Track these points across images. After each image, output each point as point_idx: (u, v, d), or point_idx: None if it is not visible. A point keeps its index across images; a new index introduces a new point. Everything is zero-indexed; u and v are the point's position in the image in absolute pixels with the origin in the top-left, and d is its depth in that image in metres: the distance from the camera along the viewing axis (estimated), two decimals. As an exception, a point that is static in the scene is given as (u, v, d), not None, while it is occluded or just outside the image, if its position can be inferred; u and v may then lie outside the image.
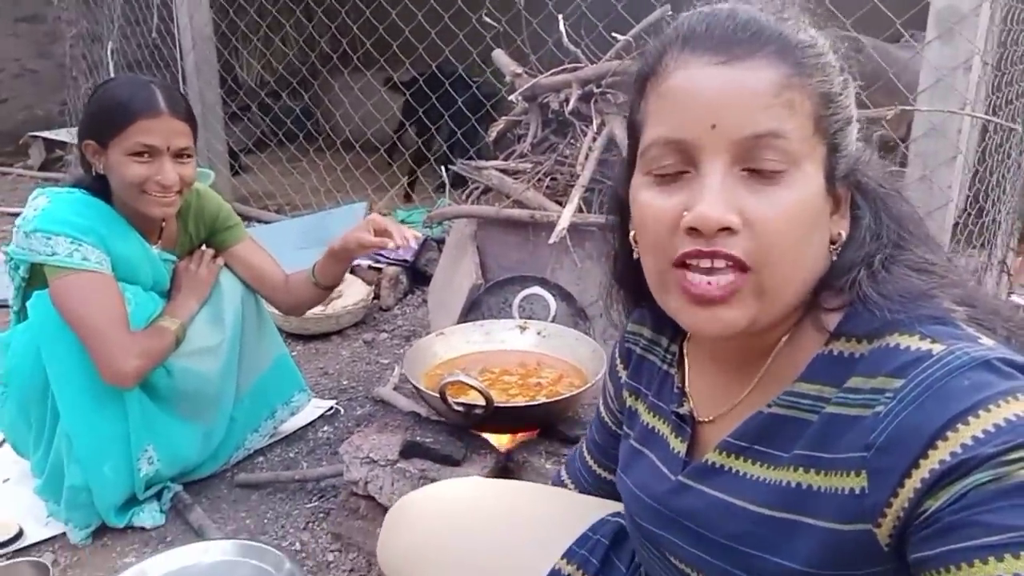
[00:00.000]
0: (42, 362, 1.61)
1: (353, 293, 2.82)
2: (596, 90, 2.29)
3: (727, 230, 0.63)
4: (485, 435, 1.61)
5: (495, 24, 2.76)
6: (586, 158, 2.19)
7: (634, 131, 0.73)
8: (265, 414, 2.02)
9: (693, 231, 0.64)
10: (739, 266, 0.64)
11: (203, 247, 1.91)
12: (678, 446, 0.80)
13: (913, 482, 0.57)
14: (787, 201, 0.64)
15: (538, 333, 1.88)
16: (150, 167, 1.61)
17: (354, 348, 2.69)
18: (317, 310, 2.64)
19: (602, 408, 1.00)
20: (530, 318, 2.01)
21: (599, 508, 0.98)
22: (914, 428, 0.58)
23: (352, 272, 3.02)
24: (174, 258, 1.84)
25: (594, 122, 2.24)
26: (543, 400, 1.56)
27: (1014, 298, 3.06)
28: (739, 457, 0.72)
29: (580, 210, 2.16)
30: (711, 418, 0.77)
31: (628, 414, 0.90)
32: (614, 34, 2.38)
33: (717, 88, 0.64)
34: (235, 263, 1.93)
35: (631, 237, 0.75)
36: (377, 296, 2.96)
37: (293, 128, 4.29)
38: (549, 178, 2.37)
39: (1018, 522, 0.53)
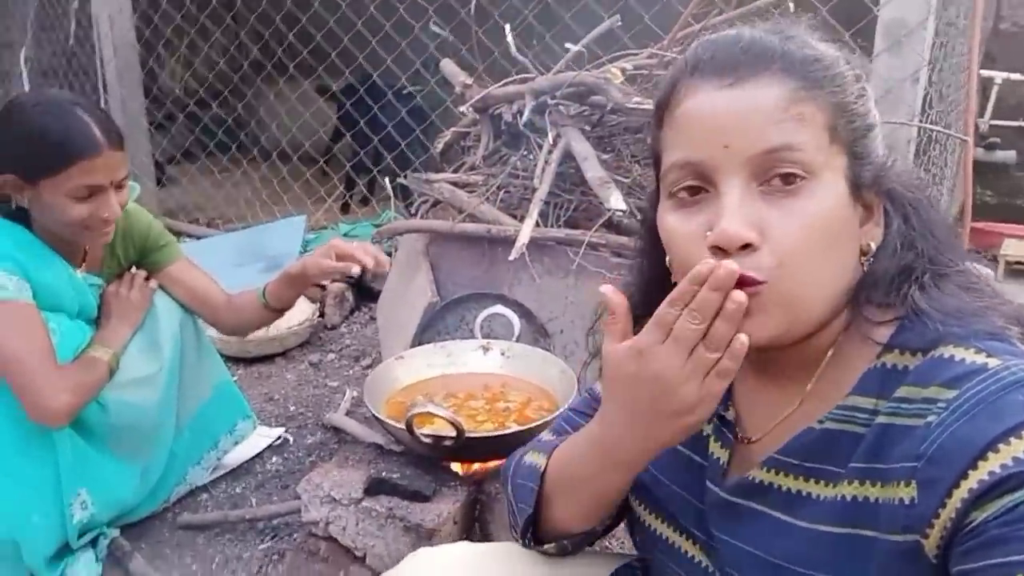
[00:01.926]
0: (-39, 402, 1.45)
1: (297, 312, 2.68)
2: (550, 102, 2.24)
3: (748, 247, 0.64)
4: (454, 466, 1.53)
5: (441, 32, 2.68)
6: (543, 171, 2.13)
7: (656, 160, 0.76)
8: (207, 445, 1.89)
9: (717, 249, 0.65)
10: (756, 283, 0.65)
11: (133, 269, 1.76)
12: (719, 452, 0.78)
13: (960, 492, 0.57)
14: (807, 211, 0.65)
15: (502, 354, 1.81)
16: (92, 205, 1.49)
17: (300, 371, 2.56)
18: (259, 332, 2.50)
19: (583, 405, 0.95)
20: (491, 337, 1.93)
21: (607, 563, 0.93)
22: (965, 440, 0.58)
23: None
24: (100, 282, 1.70)
25: (549, 135, 2.18)
26: (515, 428, 1.49)
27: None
28: (789, 475, 0.71)
29: (537, 224, 2.10)
30: (757, 435, 0.76)
31: None
32: (566, 44, 2.33)
33: (726, 109, 0.67)
34: (171, 285, 1.80)
35: (668, 262, 0.75)
36: (322, 314, 2.84)
37: (224, 138, 4.10)
38: (503, 191, 2.31)
39: None
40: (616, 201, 1.94)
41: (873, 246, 0.70)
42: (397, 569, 0.92)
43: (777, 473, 0.72)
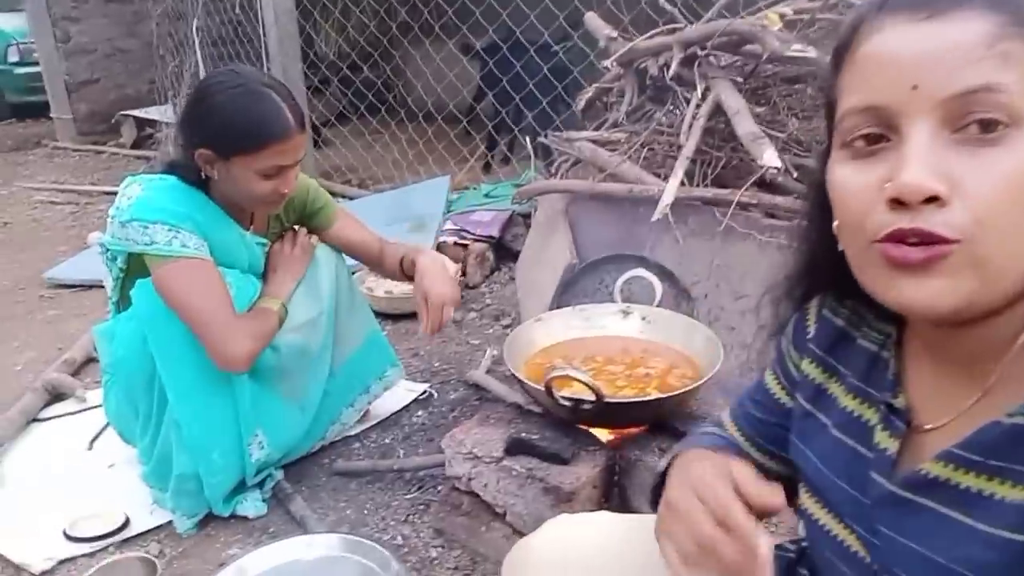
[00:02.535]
0: (148, 351, 1.60)
1: (441, 271, 2.75)
2: (700, 53, 2.13)
3: (935, 200, 0.56)
4: (592, 431, 1.52)
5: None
6: (690, 127, 2.04)
7: (831, 110, 0.67)
8: (359, 389, 1.99)
9: (896, 203, 0.58)
10: (946, 241, 0.57)
11: (297, 230, 1.87)
12: (887, 443, 0.71)
13: None
14: (1009, 165, 0.56)
15: (643, 318, 1.76)
16: (276, 181, 1.61)
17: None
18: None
19: (770, 378, 0.88)
20: (631, 301, 1.89)
21: None
22: None
23: (438, 249, 2.96)
24: (266, 241, 1.82)
25: (698, 88, 2.08)
26: (657, 395, 1.45)
27: None
28: (970, 472, 0.63)
29: (683, 183, 2.02)
30: (932, 424, 0.69)
31: (816, 392, 0.80)
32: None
33: (917, 45, 0.58)
34: (331, 242, 1.92)
35: (834, 227, 0.67)
36: (463, 273, 2.90)
37: (374, 101, 4.24)
38: (647, 149, 2.24)
39: None
40: (770, 158, 1.83)
41: None
42: (538, 533, 0.92)
43: (956, 469, 0.65)
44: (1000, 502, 0.61)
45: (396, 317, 2.70)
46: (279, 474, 1.80)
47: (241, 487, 1.73)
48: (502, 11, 3.47)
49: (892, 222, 0.58)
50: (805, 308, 0.83)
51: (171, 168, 1.68)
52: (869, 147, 0.61)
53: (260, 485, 1.77)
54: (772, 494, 0.68)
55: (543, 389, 1.41)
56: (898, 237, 0.58)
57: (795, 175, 1.89)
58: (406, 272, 1.88)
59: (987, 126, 0.56)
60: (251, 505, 1.71)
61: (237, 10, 4.12)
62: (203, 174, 1.63)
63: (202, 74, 4.23)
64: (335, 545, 1.46)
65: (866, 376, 0.75)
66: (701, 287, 2.04)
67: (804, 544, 0.87)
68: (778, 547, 0.87)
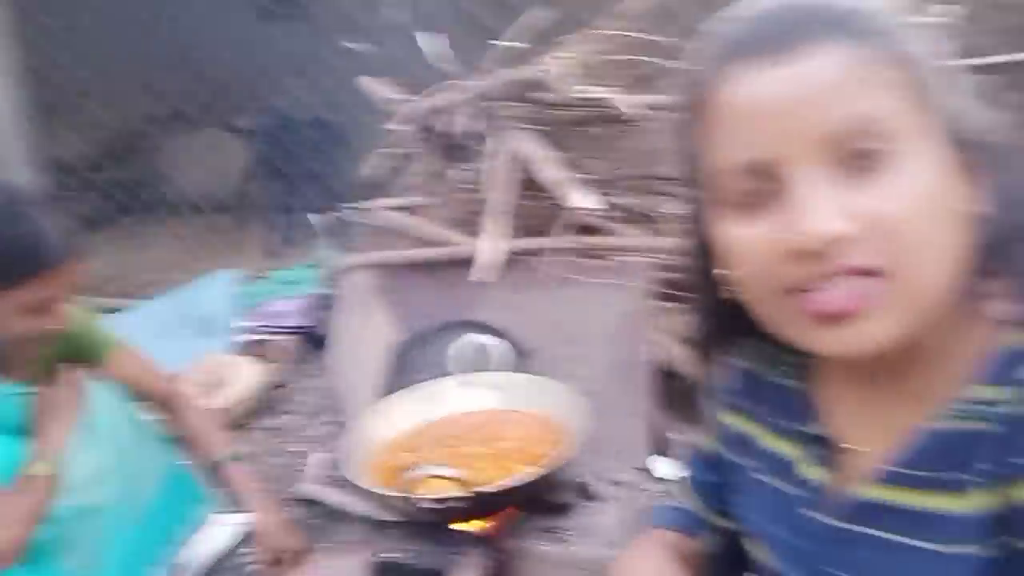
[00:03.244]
0: None
1: (244, 377, 2.43)
2: (484, 104, 2.08)
3: (841, 241, 0.55)
4: (462, 526, 1.34)
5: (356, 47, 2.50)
6: (493, 180, 1.97)
7: (693, 165, 0.64)
8: (161, 541, 1.65)
9: (800, 255, 0.55)
10: (868, 273, 0.55)
11: (60, 368, 1.54)
12: (814, 474, 0.68)
13: None
14: (905, 186, 0.56)
15: (488, 386, 1.64)
16: (39, 320, 1.33)
17: (255, 441, 2.31)
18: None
19: (705, 439, 0.86)
20: (469, 369, 1.76)
21: None
22: None
23: (237, 351, 2.65)
24: (25, 391, 1.46)
25: (493, 141, 2.02)
26: (531, 475, 1.30)
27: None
28: (906, 489, 0.62)
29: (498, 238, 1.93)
30: (857, 444, 0.67)
31: (740, 440, 0.78)
32: (491, 41, 2.18)
33: (779, 90, 0.57)
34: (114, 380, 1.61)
35: (717, 276, 0.66)
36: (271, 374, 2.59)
37: (126, 201, 3.81)
38: (452, 208, 2.14)
39: None
40: (581, 199, 1.79)
41: (980, 211, 0.60)
42: None
43: (894, 488, 0.62)
44: (943, 516, 0.60)
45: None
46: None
47: None
48: (264, 90, 3.27)
49: (802, 274, 0.56)
50: (710, 367, 0.82)
51: None
52: (752, 201, 0.59)
53: None
54: None
55: (401, 496, 1.21)
56: (814, 284, 0.56)
57: (604, 212, 1.89)
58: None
59: (868, 155, 0.56)
60: None
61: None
62: None
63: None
64: None
65: (782, 411, 0.73)
66: (533, 342, 1.96)
67: None
68: None
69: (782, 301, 0.59)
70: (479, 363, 1.75)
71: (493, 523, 1.37)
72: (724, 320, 0.73)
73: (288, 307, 2.79)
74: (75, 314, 1.58)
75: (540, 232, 1.99)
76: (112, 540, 1.50)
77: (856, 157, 0.56)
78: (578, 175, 1.96)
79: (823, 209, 0.55)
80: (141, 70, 3.73)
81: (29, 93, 3.64)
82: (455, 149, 2.22)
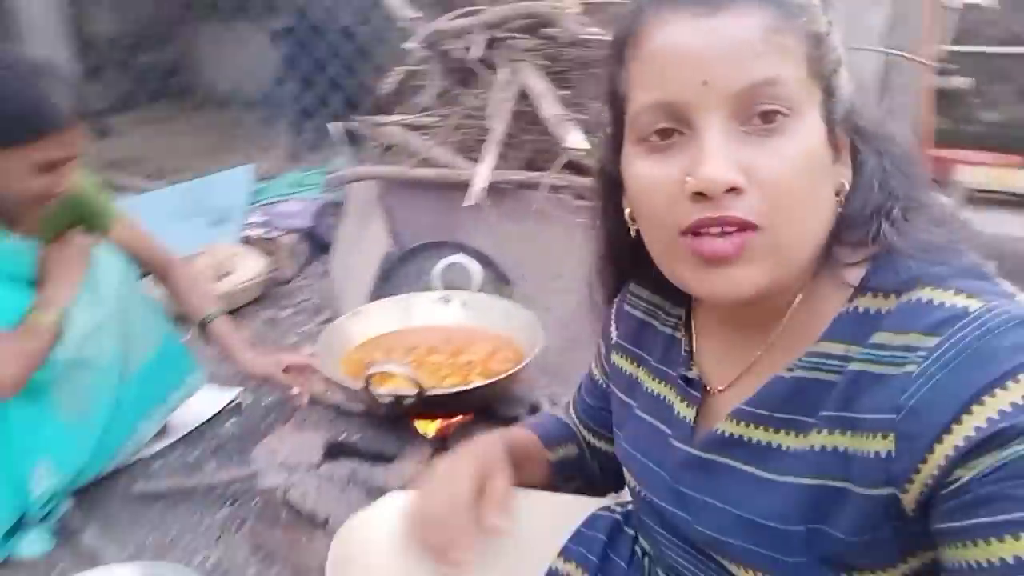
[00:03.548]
0: None
1: (247, 267, 2.58)
2: (501, 35, 2.13)
3: (733, 190, 0.60)
4: (416, 424, 1.48)
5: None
6: (498, 110, 2.03)
7: (616, 101, 0.69)
8: (156, 399, 1.81)
9: (699, 195, 0.60)
10: (749, 227, 0.61)
11: (72, 230, 1.67)
12: (685, 411, 0.76)
13: (944, 448, 0.55)
14: (792, 151, 0.61)
15: (463, 305, 1.74)
16: (51, 179, 1.45)
17: (255, 328, 2.47)
18: (224, 286, 2.43)
19: (594, 367, 0.96)
20: (451, 287, 1.86)
21: (583, 507, 0.94)
22: (948, 391, 0.55)
23: (246, 242, 2.78)
24: (36, 245, 1.59)
25: (502, 71, 2.08)
26: (479, 383, 1.43)
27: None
28: (759, 426, 0.69)
29: (495, 167, 2.01)
30: (723, 386, 0.74)
31: (628, 382, 0.86)
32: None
33: (704, 42, 0.61)
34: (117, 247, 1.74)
35: (627, 214, 0.72)
36: (275, 268, 2.73)
37: (159, 86, 3.89)
38: (459, 132, 2.21)
39: None
40: (575, 139, 1.86)
41: (846, 185, 0.67)
42: (374, 506, 0.90)
43: (747, 425, 0.69)
44: (787, 451, 0.66)
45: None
46: (67, 503, 1.59)
47: (18, 526, 1.51)
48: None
49: (696, 212, 0.61)
50: (610, 307, 0.90)
51: None
52: (664, 141, 0.63)
53: (44, 518, 1.55)
54: (497, 517, 0.79)
55: (362, 387, 1.35)
56: (704, 225, 0.61)
57: (595, 164, 1.94)
58: (206, 333, 1.83)
59: (769, 117, 0.60)
60: (36, 542, 1.51)
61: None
62: None
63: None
64: (135, 575, 1.31)
65: (664, 358, 0.81)
66: (519, 270, 2.06)
67: (630, 506, 0.92)
68: (606, 509, 0.93)
69: (675, 241, 0.64)
70: (460, 283, 1.85)
71: (444, 424, 1.51)
72: (623, 253, 0.79)
73: (297, 208, 2.90)
74: (86, 183, 1.70)
75: (537, 167, 2.06)
76: (104, 393, 1.65)
77: (758, 116, 0.61)
78: (579, 115, 2.02)
79: (723, 159, 0.60)
80: None
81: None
82: (466, 74, 2.29)
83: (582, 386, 0.99)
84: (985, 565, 0.53)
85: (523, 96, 2.06)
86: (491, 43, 2.14)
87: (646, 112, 0.64)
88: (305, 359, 1.78)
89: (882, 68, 2.44)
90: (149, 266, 1.82)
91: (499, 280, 2.02)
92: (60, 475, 1.55)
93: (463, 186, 2.04)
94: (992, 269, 0.64)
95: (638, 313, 0.86)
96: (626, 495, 0.97)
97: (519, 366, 1.46)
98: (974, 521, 0.53)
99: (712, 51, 0.60)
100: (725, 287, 0.63)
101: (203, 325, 1.81)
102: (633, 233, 0.71)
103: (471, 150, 2.20)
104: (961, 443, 0.54)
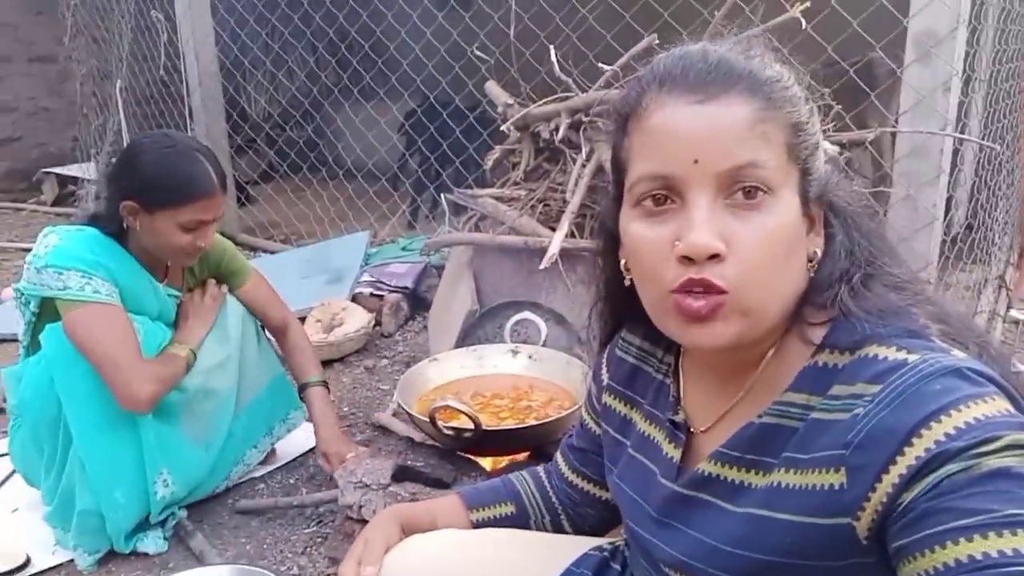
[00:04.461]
0: (55, 392, 1.67)
1: (354, 320, 2.87)
2: (585, 119, 2.35)
3: (715, 257, 0.68)
4: (475, 458, 1.65)
5: (485, 57, 2.83)
6: (576, 185, 2.24)
7: (619, 166, 0.78)
8: (263, 431, 2.07)
9: (685, 259, 0.69)
10: (719, 291, 0.69)
11: (208, 281, 1.98)
12: (672, 452, 0.83)
13: (891, 478, 0.61)
14: (768, 226, 0.69)
15: (529, 357, 1.92)
16: (194, 235, 1.74)
17: (355, 375, 2.73)
18: (318, 337, 2.72)
19: (584, 412, 1.04)
20: (524, 342, 2.05)
21: (576, 545, 1.01)
22: (890, 428, 0.62)
23: (354, 300, 3.08)
24: (178, 293, 1.91)
25: (583, 150, 2.29)
26: (531, 423, 1.60)
27: (1013, 312, 3.08)
28: (732, 466, 0.76)
29: (572, 235, 2.21)
30: (704, 428, 0.82)
31: (620, 421, 0.93)
32: (601, 64, 2.44)
33: (696, 125, 0.70)
34: (243, 302, 2.03)
35: (622, 265, 0.80)
36: (378, 323, 3.01)
37: (297, 159, 4.39)
38: (542, 204, 2.43)
39: (986, 506, 0.57)
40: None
41: (818, 253, 0.75)
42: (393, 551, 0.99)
43: (722, 465, 0.77)
44: (751, 488, 0.74)
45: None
46: (182, 513, 1.86)
47: (143, 525, 1.79)
48: (415, 77, 3.68)
49: (682, 274, 0.69)
50: (602, 354, 0.99)
51: (91, 220, 1.79)
52: (657, 207, 0.72)
53: (163, 523, 1.82)
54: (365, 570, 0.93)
55: (428, 420, 1.54)
56: (688, 287, 0.69)
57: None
58: (300, 396, 2.05)
59: (750, 193, 0.69)
60: (152, 542, 1.77)
61: (162, 72, 4.24)
62: (124, 225, 1.74)
63: (125, 133, 4.31)
64: (228, 575, 1.53)
65: (655, 401, 0.89)
66: (586, 330, 2.21)
67: (617, 543, 1.00)
68: (597, 548, 1.01)
69: (665, 297, 0.71)
70: (531, 338, 2.04)
71: (501, 459, 1.68)
72: (621, 303, 0.88)
73: (403, 270, 3.19)
74: (225, 243, 2.02)
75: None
76: (222, 421, 1.93)
77: (741, 192, 0.69)
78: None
79: (708, 229, 0.67)
80: (323, 44, 4.22)
81: (226, 57, 4.26)
82: (555, 153, 2.52)
83: (573, 433, 1.07)
84: (932, 572, 0.58)
85: (599, 172, 2.26)
86: (575, 125, 2.37)
87: (644, 180, 0.72)
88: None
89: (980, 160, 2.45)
90: (269, 321, 2.07)
91: (573, 340, 2.19)
92: (177, 486, 1.80)
93: (542, 252, 2.24)
94: (936, 331, 0.70)
95: (630, 359, 0.93)
96: (619, 534, 1.05)
97: (570, 410, 1.62)
98: (920, 535, 0.59)
99: (702, 135, 0.69)
100: (704, 338, 0.71)
101: (303, 387, 2.03)
102: (627, 282, 0.79)
103: (553, 220, 2.41)
104: (904, 471, 0.60)
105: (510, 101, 2.57)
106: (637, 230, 0.73)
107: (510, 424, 1.63)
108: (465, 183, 3.70)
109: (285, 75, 4.72)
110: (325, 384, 2.04)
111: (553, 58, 2.62)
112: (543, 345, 1.99)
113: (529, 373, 1.89)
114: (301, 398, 2.04)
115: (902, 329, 0.69)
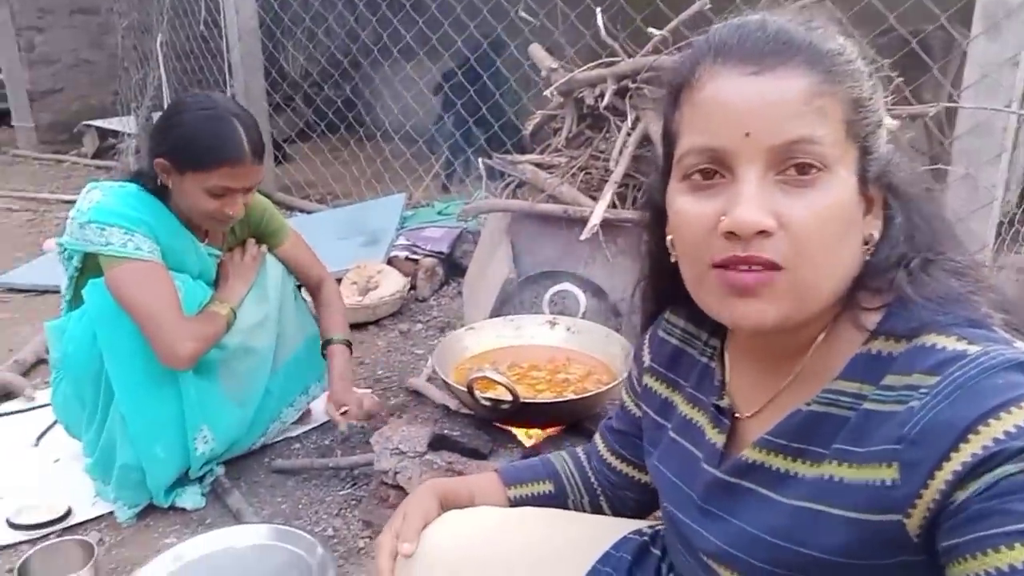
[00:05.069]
0: (98, 347, 1.69)
1: (390, 284, 2.87)
2: (632, 85, 2.29)
3: (763, 233, 0.66)
4: (512, 429, 1.64)
5: (530, 19, 2.76)
6: (620, 154, 2.19)
7: (669, 138, 0.76)
8: (299, 389, 2.09)
9: (730, 235, 0.67)
10: (773, 267, 0.66)
11: (248, 240, 1.98)
12: (716, 437, 0.81)
13: (944, 475, 0.59)
14: (821, 203, 0.66)
15: (567, 329, 1.90)
16: (222, 202, 1.71)
17: (390, 338, 2.74)
18: (353, 300, 2.72)
19: (625, 393, 1.02)
20: (562, 313, 2.02)
21: (616, 528, 1.00)
22: (946, 423, 0.60)
23: (389, 263, 3.08)
24: (219, 252, 1.91)
25: (629, 117, 2.23)
26: (570, 396, 1.58)
27: (1065, 298, 2.98)
28: (779, 454, 0.74)
29: (613, 205, 2.16)
30: (749, 414, 0.79)
31: (661, 403, 0.92)
32: (650, 28, 2.36)
33: (750, 98, 0.67)
34: (281, 260, 2.03)
35: (668, 241, 0.78)
36: (414, 287, 3.01)
37: (335, 119, 4.36)
38: (584, 173, 2.38)
39: None
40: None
41: (875, 236, 0.72)
42: (430, 527, 0.97)
43: (768, 453, 0.75)
44: (799, 478, 0.71)
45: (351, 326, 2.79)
46: (220, 470, 1.89)
47: (182, 480, 1.81)
48: (457, 37, 3.62)
49: (728, 249, 0.67)
50: (644, 335, 0.96)
51: (134, 176, 1.79)
52: (705, 181, 0.70)
53: (200, 479, 1.85)
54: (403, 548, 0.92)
55: (465, 390, 1.53)
56: (733, 263, 0.67)
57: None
58: (323, 352, 2.04)
59: (804, 169, 0.66)
60: (190, 498, 1.79)
61: (202, 27, 4.22)
62: (162, 182, 1.73)
63: (165, 87, 4.31)
64: (265, 534, 1.55)
65: (698, 385, 0.87)
66: (628, 303, 2.18)
67: (658, 527, 0.98)
68: (636, 531, 0.99)
69: (707, 272, 0.69)
70: (569, 309, 2.01)
71: (537, 431, 1.67)
72: (663, 277, 0.84)
73: (439, 234, 3.17)
74: (267, 204, 2.01)
75: (653, 207, 2.18)
76: (259, 379, 1.94)
77: (793, 167, 0.66)
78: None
79: (757, 204, 0.65)
80: (366, 4, 4.17)
81: (266, 14, 4.23)
82: (599, 120, 2.46)
83: (613, 414, 1.05)
84: None
85: (645, 141, 2.20)
86: (621, 92, 2.30)
87: (692, 153, 0.70)
88: (378, 405, 1.95)
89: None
90: (306, 279, 2.08)
91: (611, 312, 2.15)
92: (216, 442, 1.82)
93: (582, 222, 2.19)
94: (999, 320, 0.67)
95: (673, 340, 0.91)
96: (659, 517, 1.03)
97: (609, 386, 1.59)
98: (971, 536, 0.57)
99: (754, 107, 0.66)
100: (747, 316, 0.68)
101: (326, 343, 2.02)
102: (673, 260, 0.76)
103: (595, 189, 2.35)
104: (959, 468, 0.58)
105: (554, 65, 2.50)
106: (683, 204, 0.71)
107: (548, 397, 1.61)
108: (503, 148, 3.66)
109: (324, 33, 4.67)
110: (348, 344, 2.03)
111: (599, 21, 2.54)
112: (582, 317, 1.95)
113: (567, 345, 1.87)
114: (323, 354, 2.03)
115: (963, 318, 0.66)
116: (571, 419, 1.63)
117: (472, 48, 3.75)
